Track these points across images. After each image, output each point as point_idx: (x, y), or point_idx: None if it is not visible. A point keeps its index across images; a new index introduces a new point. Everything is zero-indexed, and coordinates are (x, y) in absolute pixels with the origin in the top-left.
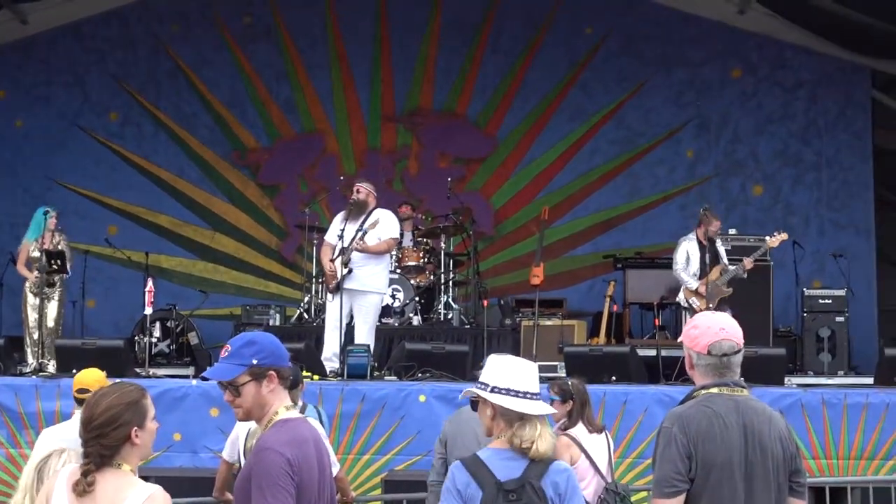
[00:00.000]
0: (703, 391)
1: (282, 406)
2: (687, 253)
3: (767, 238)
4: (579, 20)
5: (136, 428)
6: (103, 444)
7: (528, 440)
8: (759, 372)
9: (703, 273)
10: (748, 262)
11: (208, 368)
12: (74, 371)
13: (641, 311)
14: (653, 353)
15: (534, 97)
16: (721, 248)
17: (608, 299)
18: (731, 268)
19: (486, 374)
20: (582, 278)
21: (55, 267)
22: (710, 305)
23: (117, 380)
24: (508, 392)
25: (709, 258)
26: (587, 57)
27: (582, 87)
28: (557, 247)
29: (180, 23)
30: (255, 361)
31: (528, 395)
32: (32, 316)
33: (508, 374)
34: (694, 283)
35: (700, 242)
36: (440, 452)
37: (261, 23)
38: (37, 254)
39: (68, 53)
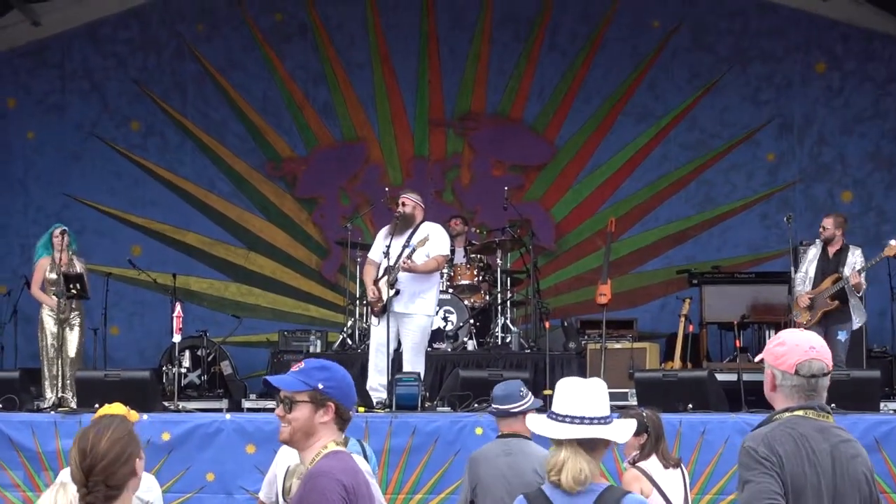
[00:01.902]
0: (787, 413)
1: (331, 441)
2: (807, 259)
3: (893, 242)
4: (644, 13)
5: (137, 458)
6: (110, 484)
7: (554, 469)
8: (851, 396)
9: (816, 283)
10: (854, 276)
11: (275, 376)
12: (97, 406)
13: (720, 332)
14: (733, 377)
15: (596, 98)
16: (853, 259)
17: (683, 319)
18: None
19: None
20: (653, 296)
21: (74, 292)
22: (811, 319)
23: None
24: (550, 415)
25: (826, 267)
26: (654, 53)
27: (649, 86)
28: (626, 262)
29: (206, 21)
30: (320, 386)
31: (562, 418)
32: (52, 345)
33: (561, 397)
34: (798, 292)
35: (825, 249)
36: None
37: (294, 20)
38: (53, 276)
39: (84, 57)
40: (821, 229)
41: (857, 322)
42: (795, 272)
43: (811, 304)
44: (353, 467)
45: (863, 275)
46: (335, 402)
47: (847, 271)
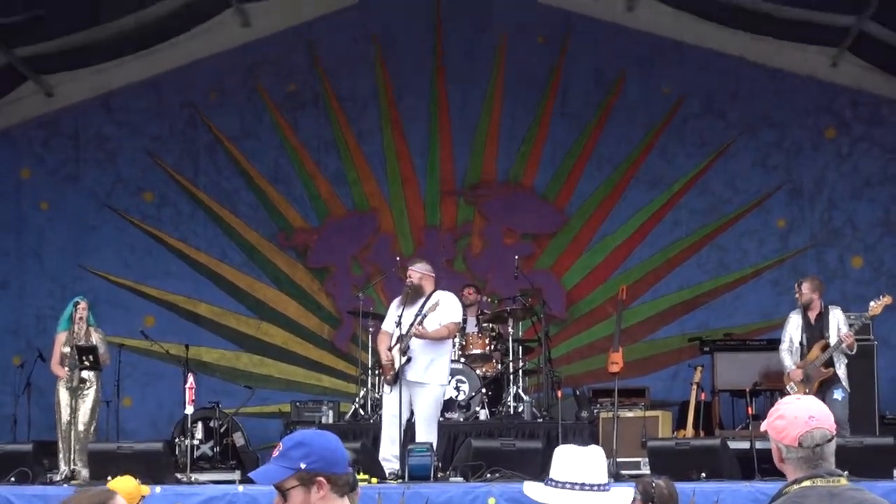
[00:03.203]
0: (796, 485)
1: None
2: (790, 328)
3: (872, 303)
4: (655, 79)
5: None
6: None
7: None
8: (864, 464)
9: (804, 353)
10: (847, 336)
11: (257, 469)
12: (109, 477)
13: (733, 399)
14: (746, 445)
15: (607, 165)
16: (835, 321)
17: (695, 387)
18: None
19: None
20: (665, 364)
21: (86, 363)
22: (807, 391)
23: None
24: (551, 483)
25: (812, 335)
26: (665, 119)
27: (660, 152)
28: (637, 329)
29: (218, 91)
30: (302, 466)
31: (561, 485)
32: (65, 417)
33: (559, 464)
34: (788, 365)
35: (805, 315)
36: None
37: (307, 89)
38: (68, 349)
39: (98, 128)
40: (797, 294)
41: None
42: (781, 343)
43: (804, 376)
44: None
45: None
46: (325, 475)
47: (833, 336)
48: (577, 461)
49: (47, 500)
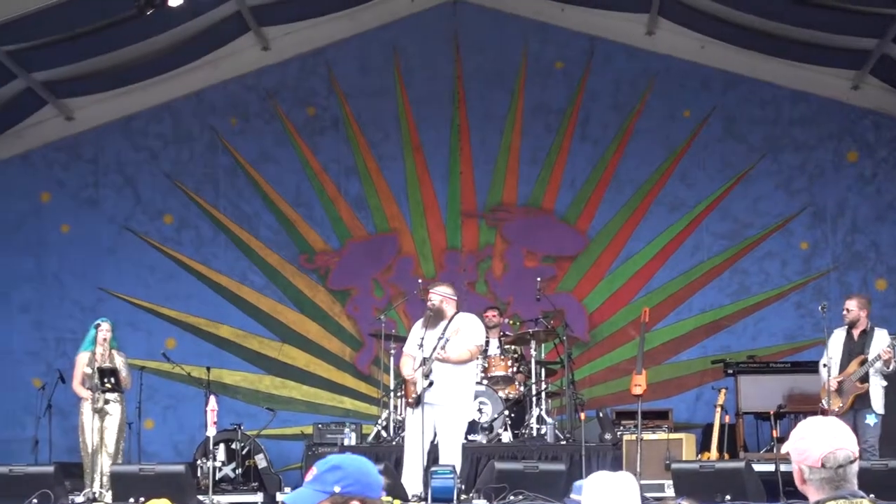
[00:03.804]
0: None
1: None
2: (830, 344)
3: None
4: (675, 103)
5: None
6: None
7: None
8: (890, 487)
9: (842, 367)
10: (886, 352)
11: (289, 492)
12: (132, 500)
13: (757, 422)
14: (771, 468)
15: (628, 188)
16: (879, 340)
17: (719, 409)
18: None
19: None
20: (689, 386)
21: (108, 386)
22: (841, 405)
23: None
24: None
25: (852, 349)
26: (686, 142)
27: (681, 176)
28: (660, 352)
29: (239, 115)
30: (337, 489)
31: None
32: (89, 439)
33: (592, 494)
34: (824, 378)
35: (849, 332)
36: None
37: (327, 113)
38: (89, 370)
39: (118, 152)
40: (844, 311)
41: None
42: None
43: (839, 388)
44: None
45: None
46: (359, 499)
47: (873, 353)
48: (611, 491)
49: None
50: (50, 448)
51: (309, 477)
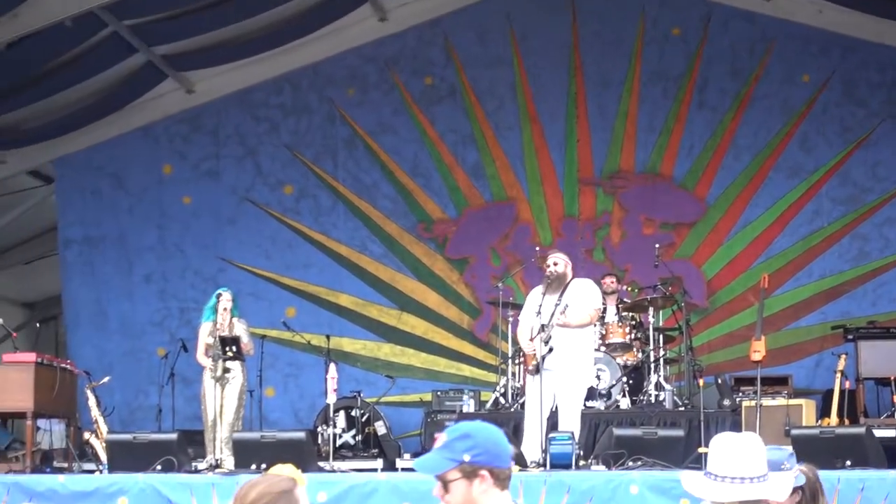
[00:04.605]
0: None
1: None
2: None
3: None
4: (794, 67)
5: None
6: None
7: None
8: None
9: None
10: None
11: (419, 457)
12: (253, 466)
13: (877, 387)
14: (892, 433)
15: (746, 155)
16: None
17: (839, 375)
18: None
19: None
20: (808, 352)
21: (230, 354)
22: None
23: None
24: (707, 475)
25: None
26: (805, 108)
27: (800, 141)
28: (779, 318)
29: (356, 86)
30: (466, 458)
31: (721, 478)
32: (210, 408)
33: (715, 454)
34: None
35: None
36: None
37: (443, 83)
38: (211, 340)
39: (238, 123)
40: None
41: None
42: None
43: None
44: None
45: None
46: (488, 468)
47: None
48: (736, 452)
49: (192, 489)
50: (173, 416)
51: (438, 443)
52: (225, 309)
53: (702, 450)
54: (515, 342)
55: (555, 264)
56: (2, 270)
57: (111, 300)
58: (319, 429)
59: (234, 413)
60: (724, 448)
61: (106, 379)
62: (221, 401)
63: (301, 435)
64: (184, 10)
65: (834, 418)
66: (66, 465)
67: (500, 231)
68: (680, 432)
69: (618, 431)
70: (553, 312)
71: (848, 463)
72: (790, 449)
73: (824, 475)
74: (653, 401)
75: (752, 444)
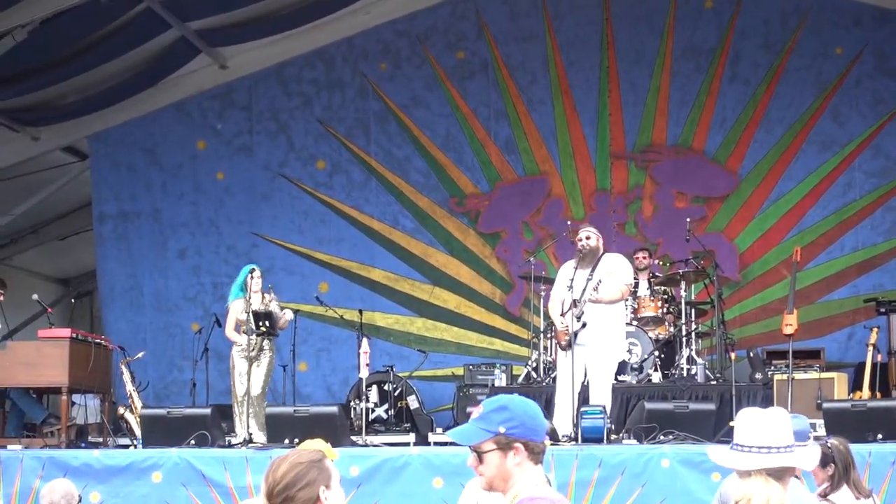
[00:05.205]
0: None
1: (530, 481)
2: None
3: None
4: (826, 40)
5: (323, 487)
6: None
7: (743, 499)
8: None
9: None
10: None
11: (454, 427)
12: (286, 441)
13: None
14: None
15: (778, 128)
16: None
17: (871, 348)
18: None
19: None
20: (840, 325)
21: (263, 329)
22: None
23: None
24: (734, 447)
25: None
26: (838, 80)
27: (832, 114)
28: (812, 291)
29: (389, 61)
30: (502, 430)
31: (748, 449)
32: (239, 384)
33: (744, 428)
34: None
35: None
36: None
37: (476, 58)
38: (244, 316)
39: (271, 99)
40: None
41: None
42: None
43: None
44: None
45: None
46: (523, 441)
47: None
48: (763, 424)
49: (226, 463)
50: (207, 390)
51: (475, 414)
52: (256, 290)
53: (733, 423)
54: (547, 316)
55: (587, 238)
56: (37, 246)
57: (145, 276)
58: (352, 403)
59: (259, 389)
60: (750, 421)
61: (140, 354)
62: (249, 377)
63: (334, 409)
64: None
65: (866, 391)
66: (100, 439)
67: (533, 205)
68: (711, 406)
69: (649, 405)
70: (585, 288)
71: (879, 436)
72: (806, 418)
73: (855, 448)
74: (684, 375)
75: (778, 416)
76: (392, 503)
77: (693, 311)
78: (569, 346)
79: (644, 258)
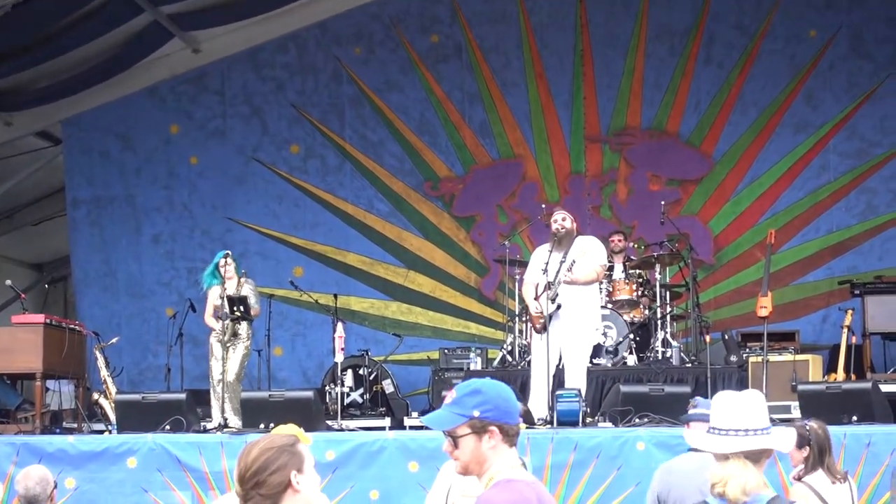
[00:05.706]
0: None
1: (505, 465)
2: None
3: None
4: (801, 23)
5: (294, 471)
6: (262, 493)
7: (720, 482)
8: None
9: None
10: None
11: (429, 413)
12: (262, 426)
13: (884, 342)
14: None
15: (753, 110)
16: None
17: (846, 330)
18: None
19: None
20: (815, 307)
21: (237, 314)
22: None
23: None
24: (711, 430)
25: None
26: (812, 63)
27: (807, 96)
28: (786, 273)
29: (362, 44)
30: (476, 413)
31: (724, 432)
32: (216, 369)
33: (718, 411)
34: None
35: None
36: None
37: (450, 41)
38: (219, 301)
39: (244, 83)
40: None
41: None
42: None
43: None
44: (521, 499)
45: None
46: (497, 425)
47: None
48: (738, 407)
49: (201, 448)
50: (182, 375)
51: (448, 399)
52: (230, 277)
53: (692, 403)
54: (522, 300)
55: (562, 220)
56: (10, 232)
57: (119, 261)
58: (327, 387)
59: (235, 374)
60: (726, 404)
61: (115, 339)
62: (224, 363)
63: (309, 394)
64: None
65: (840, 373)
66: (75, 425)
67: (507, 189)
68: (687, 389)
69: (624, 388)
70: (559, 269)
71: (854, 418)
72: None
73: (831, 430)
74: (659, 357)
75: (754, 399)
76: (368, 487)
77: (668, 293)
78: (543, 329)
79: (619, 241)
